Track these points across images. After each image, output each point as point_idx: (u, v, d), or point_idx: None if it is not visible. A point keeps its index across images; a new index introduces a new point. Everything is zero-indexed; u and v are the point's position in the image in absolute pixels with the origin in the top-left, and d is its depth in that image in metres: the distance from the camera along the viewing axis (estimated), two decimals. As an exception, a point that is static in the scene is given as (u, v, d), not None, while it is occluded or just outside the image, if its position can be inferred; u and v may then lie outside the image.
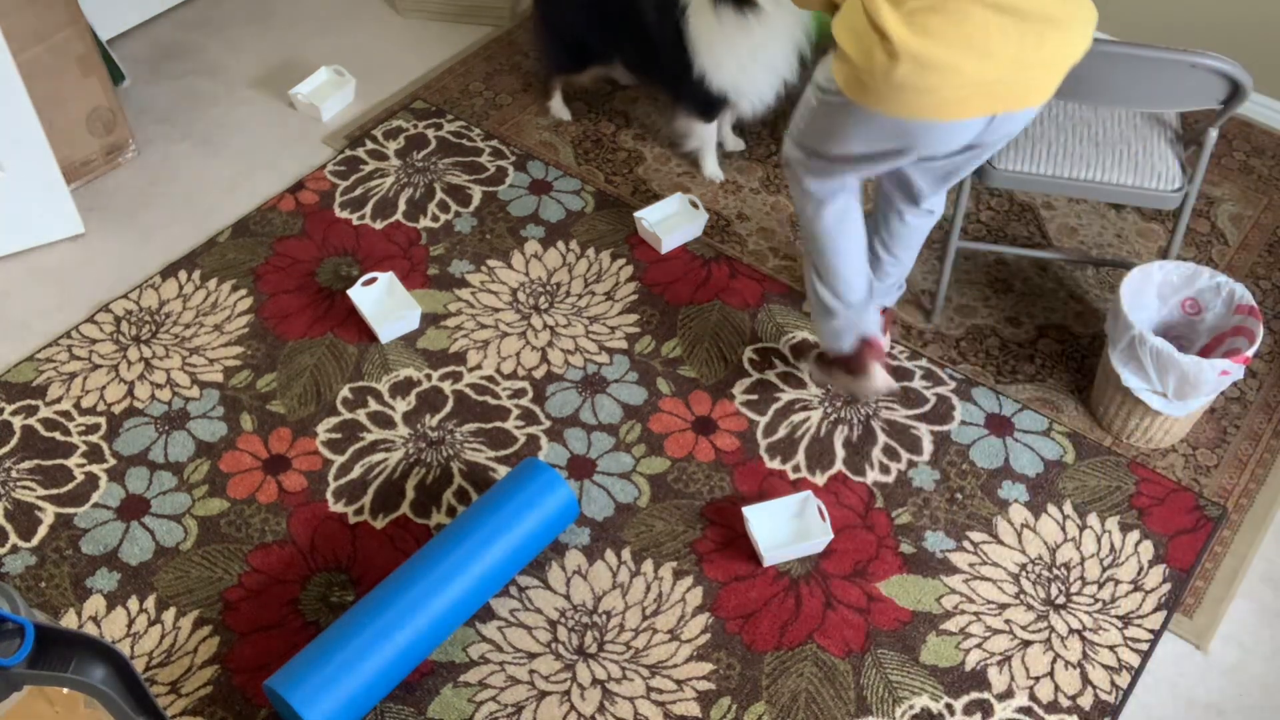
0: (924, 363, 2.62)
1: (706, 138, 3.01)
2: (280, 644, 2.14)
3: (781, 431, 2.49)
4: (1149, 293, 2.45)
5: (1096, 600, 2.24)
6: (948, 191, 2.37)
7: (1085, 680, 2.14)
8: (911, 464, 2.44)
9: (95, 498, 2.34)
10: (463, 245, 2.83)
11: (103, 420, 2.47)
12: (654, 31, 2.80)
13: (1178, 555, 2.31)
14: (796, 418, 2.51)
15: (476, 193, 2.97)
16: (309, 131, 3.14)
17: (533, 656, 2.14)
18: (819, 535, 2.28)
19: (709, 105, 2.86)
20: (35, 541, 2.27)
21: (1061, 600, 2.24)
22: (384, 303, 2.68)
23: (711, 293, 2.75)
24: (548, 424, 2.49)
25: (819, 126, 2.08)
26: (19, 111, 2.56)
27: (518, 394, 2.54)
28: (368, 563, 2.26)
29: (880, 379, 2.35)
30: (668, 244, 2.82)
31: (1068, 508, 2.38)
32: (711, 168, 3.04)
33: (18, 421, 2.46)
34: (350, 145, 3.08)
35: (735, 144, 3.10)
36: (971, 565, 2.29)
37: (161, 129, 3.14)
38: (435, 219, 2.89)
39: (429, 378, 2.56)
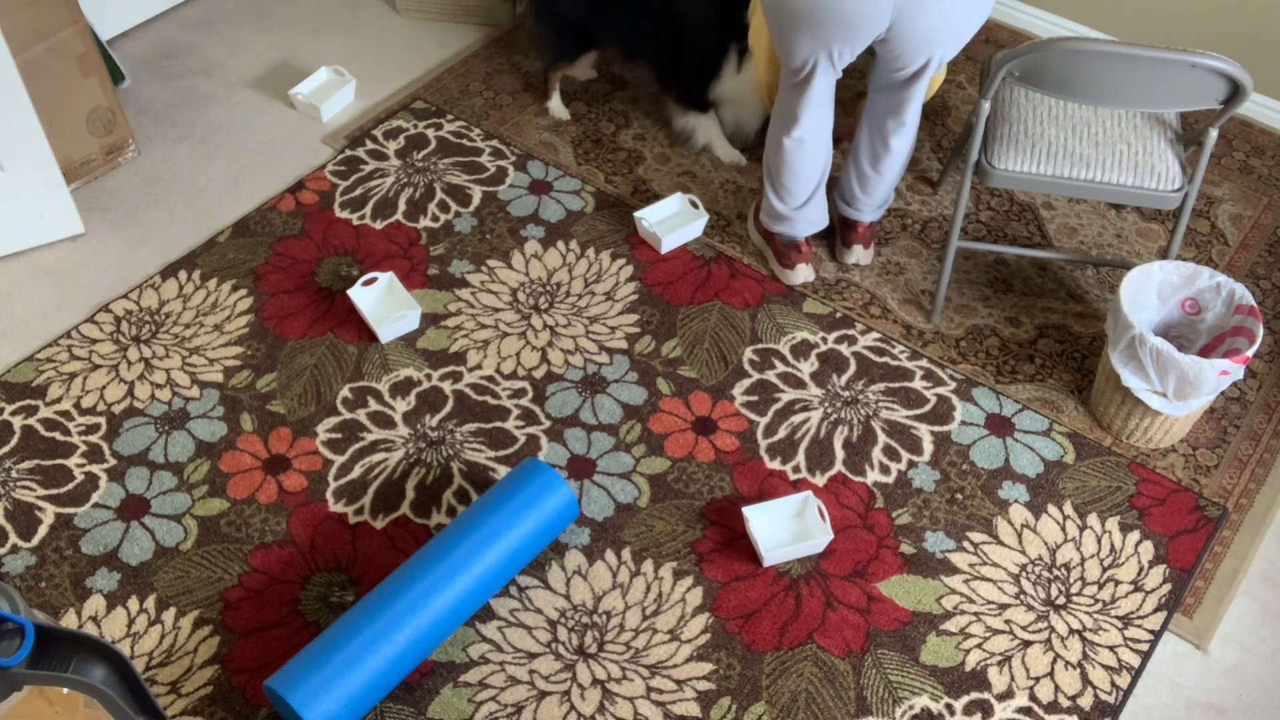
0: (924, 363, 2.62)
1: (710, 128, 3.02)
2: (280, 644, 2.14)
3: (781, 432, 2.49)
4: (1149, 293, 2.45)
5: (1097, 601, 2.24)
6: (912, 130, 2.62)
7: (1085, 680, 2.14)
8: (911, 464, 2.44)
9: (95, 498, 2.34)
10: (463, 245, 2.83)
11: (103, 420, 2.47)
12: (666, 22, 2.83)
13: (1178, 555, 2.31)
14: (796, 418, 2.51)
15: (476, 193, 2.97)
16: (309, 131, 3.14)
17: (533, 656, 2.14)
18: (819, 535, 2.28)
19: (705, 97, 2.90)
20: (35, 541, 2.27)
21: (1062, 601, 2.24)
22: (384, 303, 2.68)
23: (711, 293, 2.75)
24: (548, 424, 2.49)
25: (776, 44, 2.40)
26: (19, 111, 2.56)
27: (518, 394, 2.54)
28: (368, 563, 2.26)
29: (800, 276, 2.76)
30: (668, 244, 2.82)
31: (1068, 508, 2.38)
32: (727, 154, 3.06)
33: (18, 421, 2.46)
34: (350, 145, 3.08)
35: (735, 157, 3.10)
36: (972, 566, 2.29)
37: (161, 129, 3.14)
38: (435, 219, 2.89)
39: (429, 378, 2.56)
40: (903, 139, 2.59)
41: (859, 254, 2.79)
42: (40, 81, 2.74)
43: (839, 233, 2.83)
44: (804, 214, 2.68)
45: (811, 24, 2.27)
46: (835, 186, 2.83)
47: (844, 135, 3.01)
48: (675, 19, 2.83)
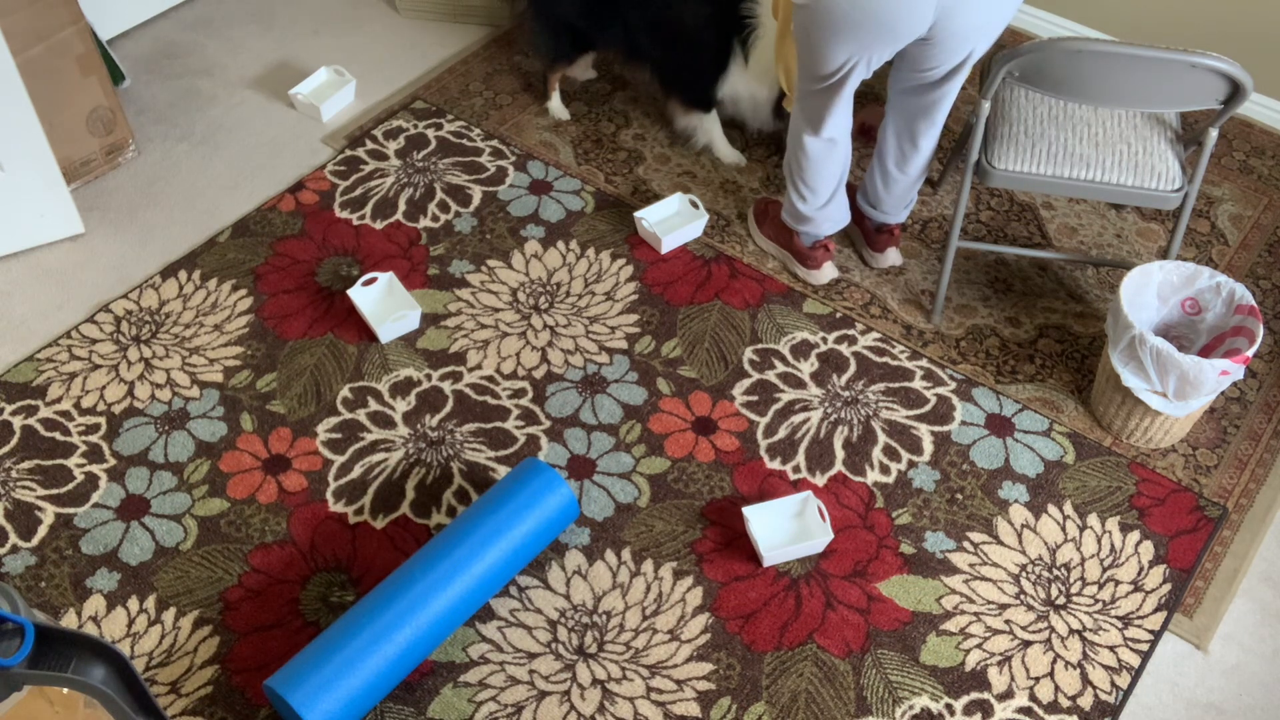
0: (924, 363, 2.62)
1: (711, 128, 3.02)
2: (280, 644, 2.14)
3: (781, 432, 2.49)
4: (1149, 293, 2.45)
5: (1097, 601, 2.24)
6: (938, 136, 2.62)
7: (1085, 680, 2.14)
8: (911, 464, 2.44)
9: (95, 498, 2.34)
10: (463, 245, 2.83)
11: (103, 420, 2.47)
12: (670, 26, 2.83)
13: (1178, 555, 2.31)
14: (796, 418, 2.51)
15: (476, 193, 2.97)
16: (309, 131, 3.14)
17: (533, 656, 2.14)
18: (819, 535, 2.28)
19: (707, 97, 2.89)
20: (35, 541, 2.27)
21: (1062, 601, 2.24)
22: (384, 303, 2.68)
23: (711, 293, 2.75)
24: (548, 424, 2.49)
25: (804, 50, 2.35)
26: (19, 111, 2.56)
27: (518, 394, 2.54)
28: (368, 563, 2.26)
29: (826, 274, 2.77)
30: (668, 244, 2.82)
31: (1068, 508, 2.38)
32: (728, 154, 3.06)
33: (18, 421, 2.46)
34: (350, 145, 3.08)
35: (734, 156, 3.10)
36: (972, 566, 2.29)
37: (161, 129, 3.14)
38: (435, 219, 2.89)
39: (429, 378, 2.56)
40: (932, 138, 2.57)
41: (893, 256, 2.79)
42: (40, 81, 2.74)
43: (867, 238, 2.80)
44: (828, 212, 2.66)
45: (853, 30, 2.21)
46: (858, 192, 2.79)
47: (874, 122, 3.01)
48: (674, 20, 2.83)
